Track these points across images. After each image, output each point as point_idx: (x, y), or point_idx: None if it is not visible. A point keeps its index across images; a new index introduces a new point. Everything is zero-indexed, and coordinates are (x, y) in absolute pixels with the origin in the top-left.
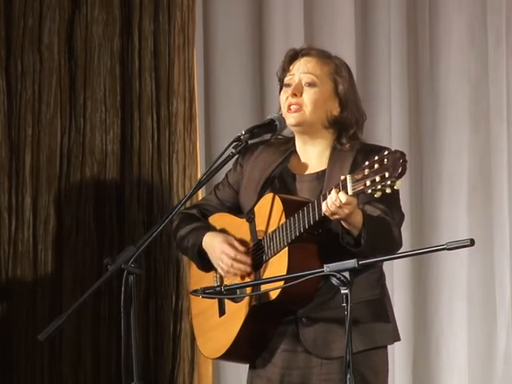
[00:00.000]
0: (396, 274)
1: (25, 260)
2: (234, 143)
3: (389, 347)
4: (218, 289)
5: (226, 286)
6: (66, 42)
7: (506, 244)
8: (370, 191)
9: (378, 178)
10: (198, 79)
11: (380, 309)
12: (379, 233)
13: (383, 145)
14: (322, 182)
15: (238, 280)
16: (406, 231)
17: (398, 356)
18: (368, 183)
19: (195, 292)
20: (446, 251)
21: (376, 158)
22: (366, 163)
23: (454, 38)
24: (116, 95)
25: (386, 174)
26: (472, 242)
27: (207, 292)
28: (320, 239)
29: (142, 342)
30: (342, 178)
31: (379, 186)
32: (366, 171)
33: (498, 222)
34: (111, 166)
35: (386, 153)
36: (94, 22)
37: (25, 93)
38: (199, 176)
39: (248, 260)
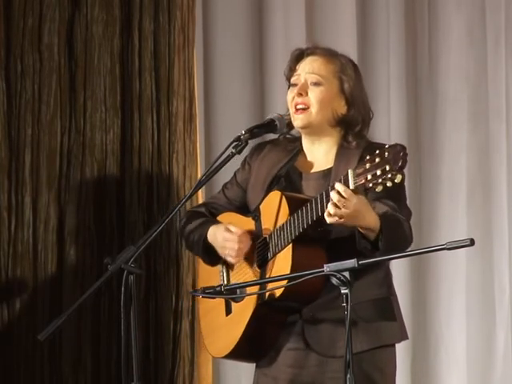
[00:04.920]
0: (395, 273)
1: (25, 260)
2: (234, 143)
3: None
4: (218, 289)
5: (225, 285)
6: (66, 42)
7: (505, 244)
8: (371, 185)
9: (378, 172)
10: (197, 79)
11: (386, 307)
12: (395, 234)
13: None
14: (328, 180)
15: (245, 275)
16: None
17: (397, 356)
18: (369, 177)
19: (195, 292)
20: (445, 251)
21: (377, 152)
22: (367, 157)
23: (453, 38)
24: (116, 95)
25: (387, 167)
26: (472, 242)
27: (207, 292)
28: (325, 236)
29: (141, 342)
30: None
31: (380, 180)
32: (368, 165)
33: (497, 221)
34: (111, 166)
35: (387, 146)
36: (94, 22)
37: (25, 93)
38: (199, 176)
39: (249, 240)
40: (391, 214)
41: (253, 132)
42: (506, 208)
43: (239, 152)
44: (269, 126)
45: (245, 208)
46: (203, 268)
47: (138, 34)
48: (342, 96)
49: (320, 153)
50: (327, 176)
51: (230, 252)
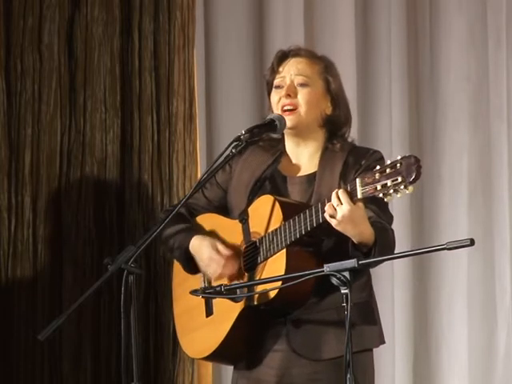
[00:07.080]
0: (396, 273)
1: (25, 260)
2: (234, 143)
3: (389, 347)
4: (218, 289)
5: (226, 285)
6: (66, 42)
7: (507, 244)
8: (381, 195)
9: (389, 183)
10: (198, 79)
11: (368, 311)
12: (385, 247)
13: (384, 146)
14: (313, 184)
15: (226, 282)
16: (406, 231)
17: (398, 356)
18: (379, 187)
19: (195, 292)
20: (446, 251)
21: (388, 162)
22: (378, 167)
23: (455, 39)
24: (116, 95)
25: (399, 179)
26: (472, 242)
27: (207, 292)
28: (319, 240)
29: (141, 342)
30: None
31: (391, 191)
32: (377, 175)
33: (498, 221)
34: (111, 166)
35: (399, 157)
36: (94, 22)
37: (25, 93)
38: (199, 176)
39: (235, 265)
40: (378, 221)
41: (253, 132)
42: (507, 208)
43: (239, 152)
44: (269, 125)
45: (224, 209)
46: (178, 269)
47: (138, 34)
48: (328, 96)
49: (304, 156)
50: (312, 181)
51: (213, 273)
